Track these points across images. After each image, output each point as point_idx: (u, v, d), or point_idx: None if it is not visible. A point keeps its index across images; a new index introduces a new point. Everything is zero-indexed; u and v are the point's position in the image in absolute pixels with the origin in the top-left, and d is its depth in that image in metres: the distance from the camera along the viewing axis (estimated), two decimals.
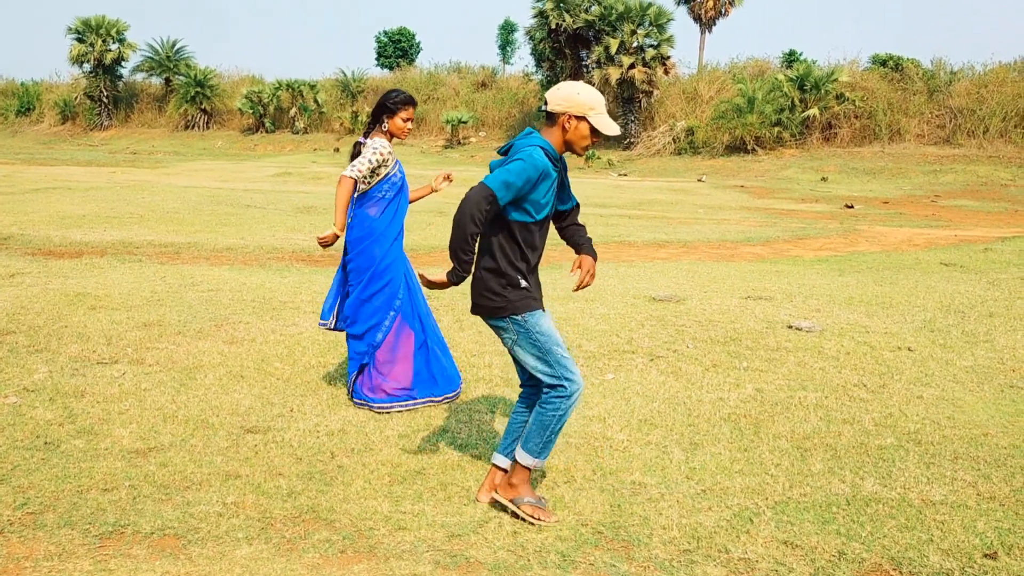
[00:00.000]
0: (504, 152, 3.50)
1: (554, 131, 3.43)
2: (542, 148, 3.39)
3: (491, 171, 3.49)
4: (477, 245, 3.44)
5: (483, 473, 4.01)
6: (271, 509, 3.60)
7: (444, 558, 3.24)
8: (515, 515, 3.55)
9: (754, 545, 3.37)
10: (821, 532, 3.48)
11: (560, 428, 3.52)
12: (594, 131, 3.38)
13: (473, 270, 3.51)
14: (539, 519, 3.51)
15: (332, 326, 5.04)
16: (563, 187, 3.63)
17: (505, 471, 3.67)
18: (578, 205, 3.76)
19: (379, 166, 4.75)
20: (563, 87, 3.43)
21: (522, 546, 3.35)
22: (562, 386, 3.46)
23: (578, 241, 3.71)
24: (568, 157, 3.65)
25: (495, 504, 3.64)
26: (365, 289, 4.83)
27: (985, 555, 3.31)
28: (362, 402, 4.85)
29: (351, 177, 4.70)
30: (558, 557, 3.27)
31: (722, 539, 3.42)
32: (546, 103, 3.44)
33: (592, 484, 3.92)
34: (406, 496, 3.76)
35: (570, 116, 3.38)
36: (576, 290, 3.58)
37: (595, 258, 3.66)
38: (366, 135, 4.87)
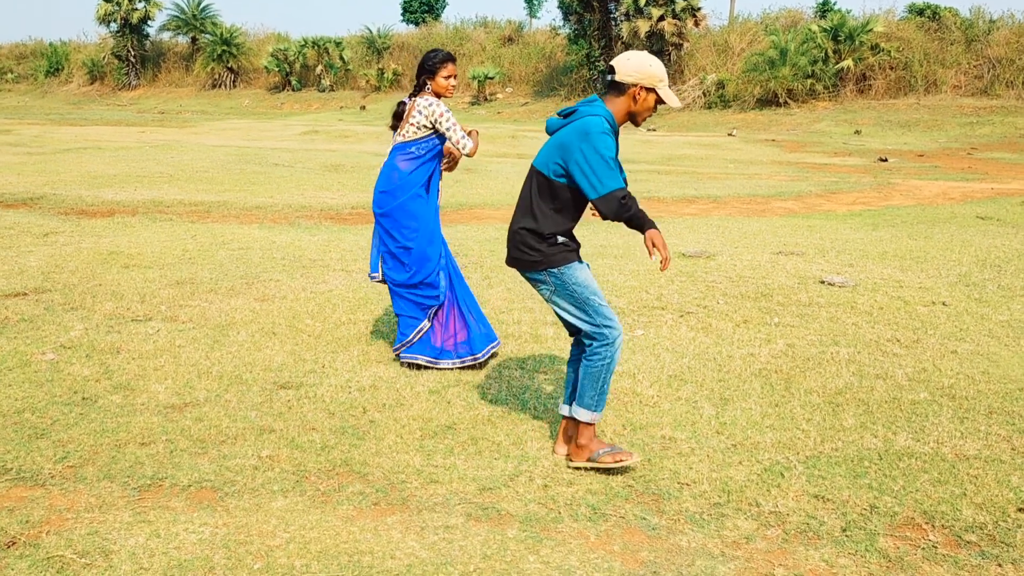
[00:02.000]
0: (566, 115, 3.51)
1: (620, 101, 3.42)
2: (605, 119, 3.39)
3: (548, 131, 3.53)
4: (521, 206, 3.55)
5: (513, 428, 4.04)
6: (305, 463, 3.65)
7: (476, 511, 3.28)
8: (603, 470, 3.58)
9: (785, 499, 3.38)
10: (853, 486, 3.47)
11: (610, 376, 3.57)
12: (659, 102, 3.37)
13: (511, 225, 3.58)
14: (622, 461, 3.53)
15: (381, 279, 5.03)
16: None
17: (571, 418, 3.73)
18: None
19: (435, 122, 4.72)
20: (633, 58, 3.41)
21: (553, 499, 3.37)
22: (603, 334, 3.50)
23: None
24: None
25: (576, 469, 3.64)
26: (426, 247, 4.79)
27: (1019, 509, 3.28)
28: (428, 360, 4.82)
29: (473, 148, 4.73)
30: (589, 510, 3.30)
31: (752, 493, 3.42)
32: (612, 71, 3.43)
33: (622, 439, 3.93)
34: (437, 450, 3.79)
35: (641, 87, 3.37)
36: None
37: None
38: (411, 97, 4.83)
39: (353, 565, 2.88)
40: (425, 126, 4.72)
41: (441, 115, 4.70)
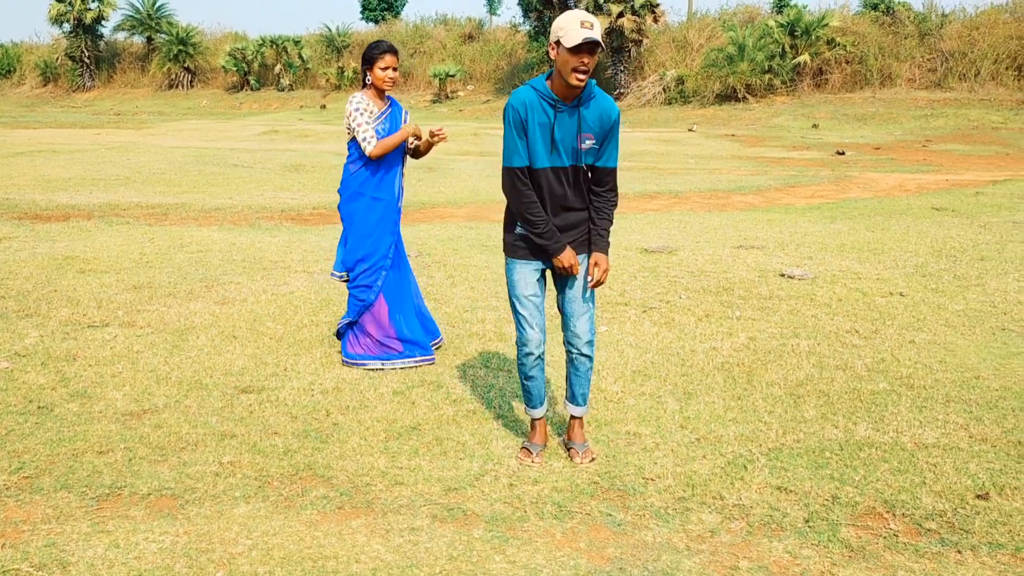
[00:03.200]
0: None
1: (554, 68, 3.42)
2: (532, 87, 3.43)
3: None
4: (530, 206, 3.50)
5: (478, 427, 4.03)
6: (268, 468, 3.61)
7: (441, 512, 3.26)
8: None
9: (748, 491, 3.40)
10: (815, 477, 3.51)
11: (524, 380, 3.70)
12: (571, 51, 3.29)
13: None
14: (519, 460, 3.68)
15: (346, 279, 5.02)
16: (603, 142, 3.53)
17: (575, 417, 3.81)
18: (613, 172, 3.57)
19: (369, 117, 4.70)
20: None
21: (518, 498, 3.37)
22: (517, 333, 3.66)
23: (592, 238, 3.59)
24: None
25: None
26: (358, 249, 4.81)
27: (977, 496, 3.34)
28: (352, 362, 4.84)
29: (373, 150, 4.67)
30: (554, 508, 3.30)
31: (716, 486, 3.45)
32: None
33: (587, 435, 3.93)
34: (402, 452, 3.77)
35: (552, 46, 3.38)
36: (593, 287, 3.58)
37: (606, 255, 3.60)
38: None
39: (317, 570, 2.85)
40: (350, 125, 4.74)
41: (350, 113, 4.72)
